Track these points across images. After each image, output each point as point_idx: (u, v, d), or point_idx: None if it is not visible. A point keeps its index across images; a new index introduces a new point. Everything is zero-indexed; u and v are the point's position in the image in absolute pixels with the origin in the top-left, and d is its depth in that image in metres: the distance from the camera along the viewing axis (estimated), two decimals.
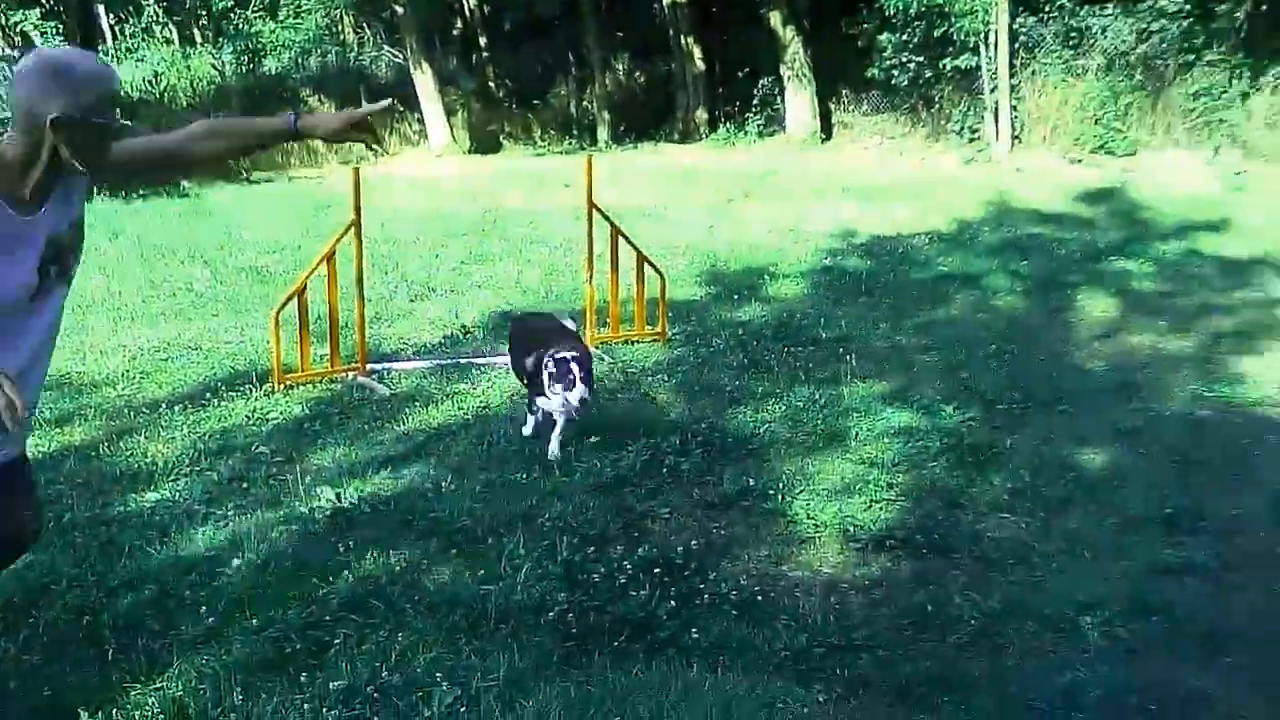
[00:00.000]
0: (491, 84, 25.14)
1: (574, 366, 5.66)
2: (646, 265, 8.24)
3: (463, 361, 7.85)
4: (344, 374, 7.44)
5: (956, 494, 5.45)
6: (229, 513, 5.22)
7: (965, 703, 3.67)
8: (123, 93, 3.21)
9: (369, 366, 7.54)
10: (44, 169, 3.00)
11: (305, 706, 3.61)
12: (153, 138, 3.53)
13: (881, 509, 5.27)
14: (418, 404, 6.91)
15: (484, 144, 22.82)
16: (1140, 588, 4.45)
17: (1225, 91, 17.85)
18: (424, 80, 22.73)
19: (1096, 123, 18.45)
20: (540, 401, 5.96)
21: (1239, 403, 6.90)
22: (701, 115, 23.09)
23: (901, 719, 3.61)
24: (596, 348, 8.02)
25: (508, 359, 6.86)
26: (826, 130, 21.50)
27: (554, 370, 5.71)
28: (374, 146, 3.55)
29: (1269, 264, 10.87)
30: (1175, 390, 7.14)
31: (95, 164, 3.10)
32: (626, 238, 8.09)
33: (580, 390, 5.61)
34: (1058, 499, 5.39)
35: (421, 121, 23.27)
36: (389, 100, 4.12)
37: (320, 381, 7.32)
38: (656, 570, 4.52)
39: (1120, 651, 4.00)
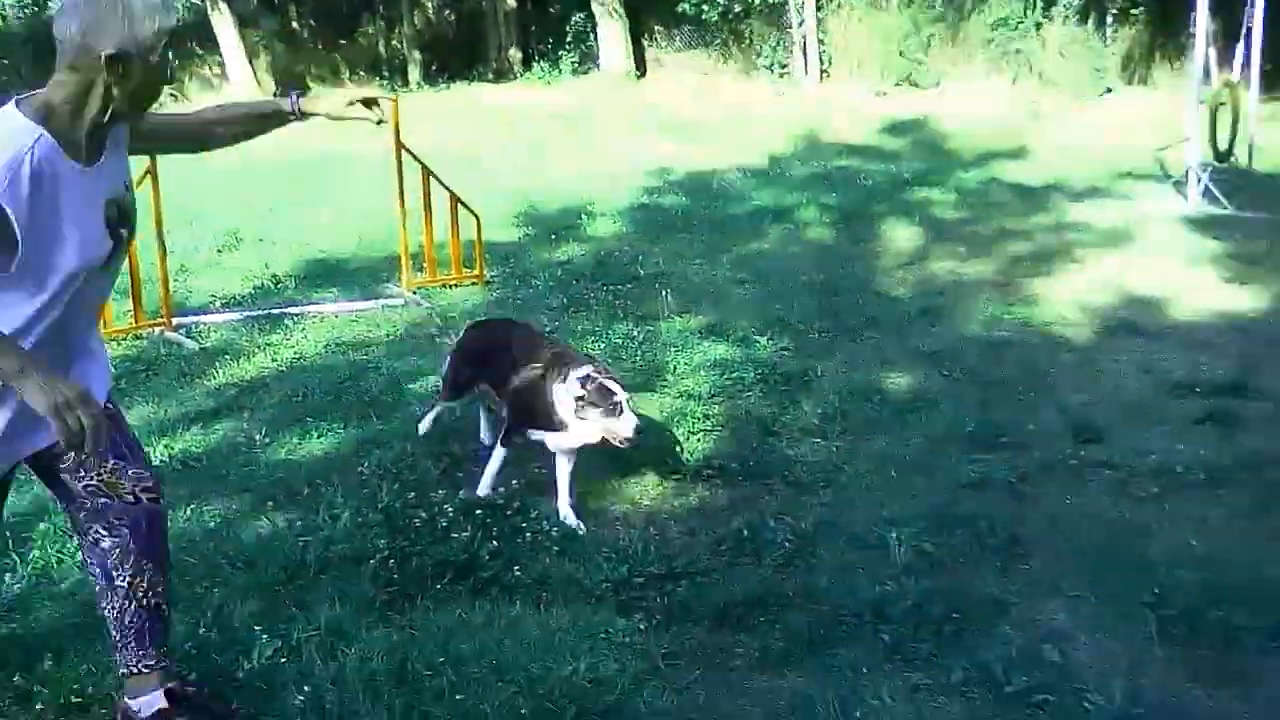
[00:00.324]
0: (295, 24, 24.29)
1: (613, 385, 4.46)
2: (461, 207, 8.16)
3: (275, 312, 7.66)
4: (149, 329, 7.18)
5: (770, 422, 5.60)
6: (31, 475, 4.99)
7: (780, 620, 3.81)
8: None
9: (175, 320, 7.30)
10: (96, 115, 2.77)
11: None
12: (174, 115, 3.30)
13: (699, 440, 5.39)
14: (228, 357, 6.73)
15: (289, 87, 22.11)
16: (944, 503, 4.68)
17: (1021, 22, 18.53)
18: (222, 21, 21.81)
19: (901, 55, 18.93)
20: (545, 437, 4.66)
21: (1035, 323, 7.26)
22: (515, 54, 22.80)
23: (720, 640, 3.72)
24: (414, 292, 7.94)
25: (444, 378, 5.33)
26: (641, 67, 21.49)
27: (585, 393, 4.42)
28: (377, 123, 3.49)
29: (1062, 189, 11.41)
30: (975, 313, 7.46)
31: (142, 111, 2.90)
32: (438, 179, 7.99)
33: (631, 418, 4.44)
34: (866, 422, 5.60)
35: (221, 64, 22.35)
36: (393, 96, 3.95)
37: (125, 338, 7.05)
38: (478, 512, 4.52)
39: (926, 564, 4.19)
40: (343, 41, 23.98)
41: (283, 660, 3.59)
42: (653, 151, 13.95)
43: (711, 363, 6.41)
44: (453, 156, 11.69)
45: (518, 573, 4.13)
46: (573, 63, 21.79)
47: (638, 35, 21.61)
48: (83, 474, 3.04)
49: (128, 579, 3.15)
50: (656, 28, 21.81)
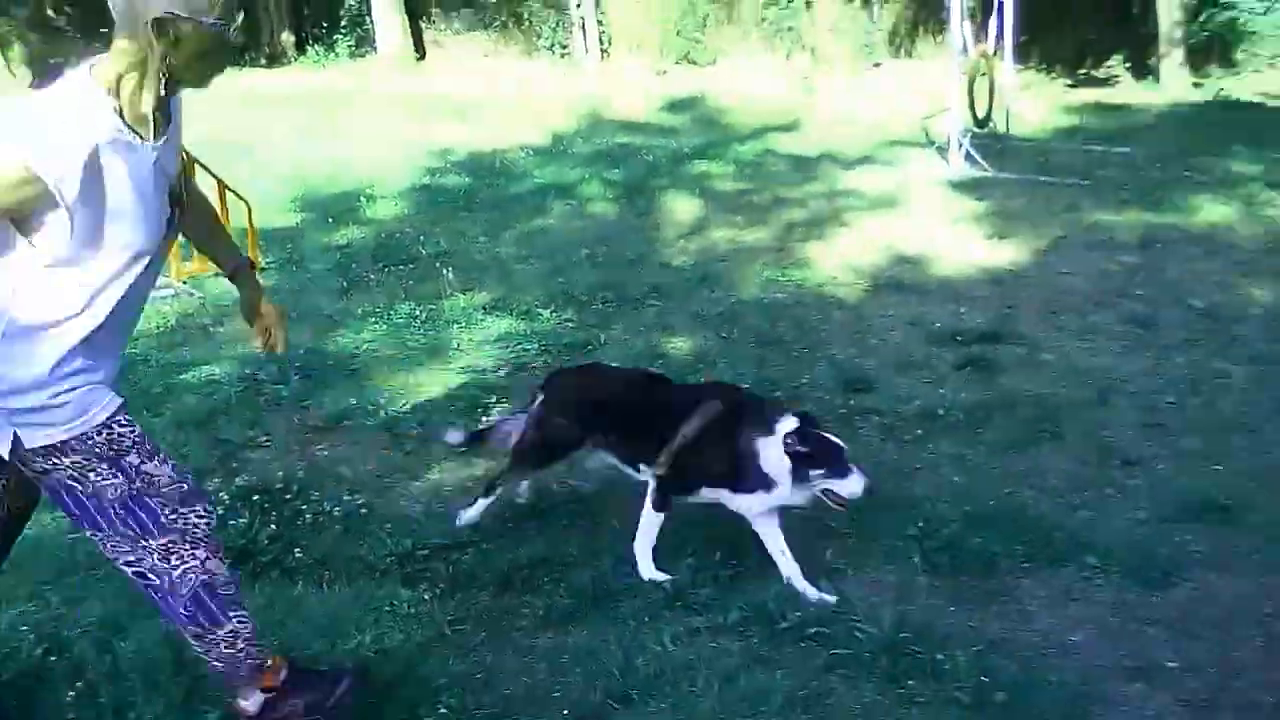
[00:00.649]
0: (50, 11, 23.07)
1: (837, 440, 3.84)
2: (229, 193, 7.91)
3: None
4: None
5: None
6: None
7: (564, 579, 3.86)
8: None
9: None
10: (158, 87, 2.57)
11: None
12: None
13: (482, 412, 5.39)
14: None
15: (47, 78, 20.97)
16: None
17: (792, 1, 19.05)
18: None
19: (678, 34, 19.22)
20: (729, 496, 3.92)
21: (809, 285, 7.51)
22: (288, 37, 22.18)
23: (505, 604, 3.76)
24: (184, 283, 7.68)
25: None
26: (420, 49, 21.21)
27: (813, 450, 3.75)
28: (263, 348, 3.45)
29: (834, 158, 11.78)
30: (753, 278, 7.66)
31: (206, 81, 2.67)
32: (203, 166, 7.71)
33: (864, 477, 3.79)
34: None
35: None
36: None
37: None
38: (256, 497, 4.42)
39: (703, 515, 4.28)
40: (104, 30, 22.84)
41: (53, 659, 3.45)
42: (434, 133, 13.78)
43: (495, 338, 6.42)
44: (225, 144, 11.29)
45: (299, 554, 4.07)
46: (349, 46, 21.34)
47: (415, 16, 21.32)
48: None
49: None
50: (434, 10, 21.58)
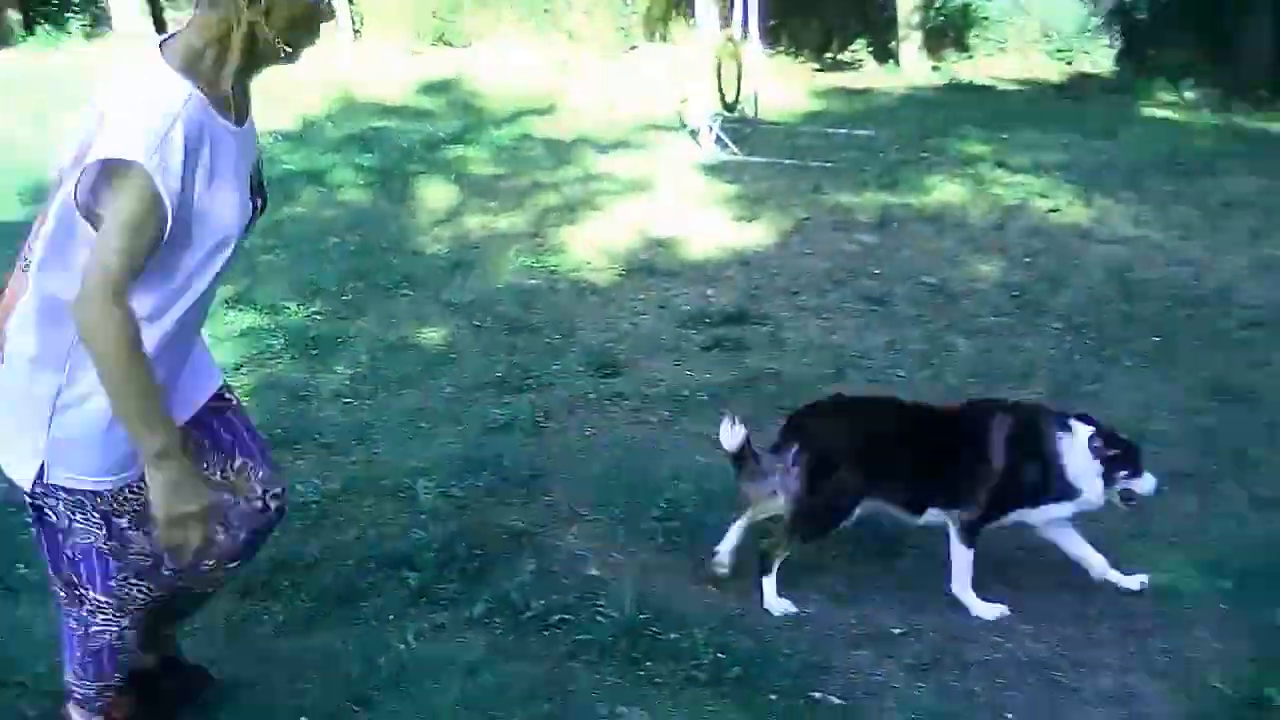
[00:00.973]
0: None
1: (1131, 440, 3.87)
2: None
3: None
4: None
5: (300, 387, 5.52)
6: None
7: (306, 582, 3.79)
8: None
9: None
10: (240, 63, 2.33)
11: None
12: None
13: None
14: None
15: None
16: (471, 447, 4.81)
17: None
18: None
19: (434, 16, 18.97)
20: (1034, 513, 3.81)
21: (562, 270, 7.54)
22: (14, 15, 20.83)
23: (244, 611, 3.65)
24: None
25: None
26: (161, 29, 20.25)
27: (1114, 453, 3.71)
28: None
29: (590, 143, 11.85)
30: (507, 265, 7.65)
31: (297, 54, 2.41)
32: None
33: (1150, 475, 3.81)
34: (398, 378, 5.64)
35: None
36: None
37: None
38: None
39: (452, 508, 4.30)
40: None
41: None
42: None
43: (238, 333, 6.22)
44: None
45: (23, 571, 3.86)
46: (83, 25, 20.19)
47: None
48: (206, 466, 2.73)
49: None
50: None
